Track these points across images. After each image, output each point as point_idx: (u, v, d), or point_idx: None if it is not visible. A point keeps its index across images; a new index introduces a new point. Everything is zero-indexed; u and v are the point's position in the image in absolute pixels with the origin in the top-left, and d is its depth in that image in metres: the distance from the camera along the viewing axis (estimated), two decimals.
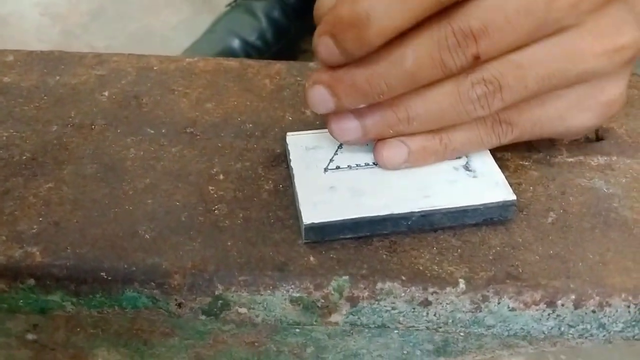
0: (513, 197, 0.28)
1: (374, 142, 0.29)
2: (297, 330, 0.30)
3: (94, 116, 0.34)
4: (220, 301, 0.27)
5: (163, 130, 0.33)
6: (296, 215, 0.28)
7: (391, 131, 0.28)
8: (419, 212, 0.28)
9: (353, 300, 0.27)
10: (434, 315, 0.27)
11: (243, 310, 0.27)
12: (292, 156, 0.30)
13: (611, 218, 0.29)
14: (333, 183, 0.29)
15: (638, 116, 0.35)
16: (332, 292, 0.26)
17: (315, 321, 0.27)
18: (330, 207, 0.28)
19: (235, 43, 1.07)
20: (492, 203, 0.28)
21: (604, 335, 0.27)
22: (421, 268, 0.27)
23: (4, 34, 1.25)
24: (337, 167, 0.30)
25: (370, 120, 0.28)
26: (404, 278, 0.26)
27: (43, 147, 0.32)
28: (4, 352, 0.32)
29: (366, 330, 0.30)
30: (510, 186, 0.29)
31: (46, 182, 0.30)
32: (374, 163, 0.30)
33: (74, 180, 0.30)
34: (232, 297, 0.27)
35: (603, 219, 0.29)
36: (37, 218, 0.28)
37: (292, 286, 0.26)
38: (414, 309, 0.27)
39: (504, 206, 0.28)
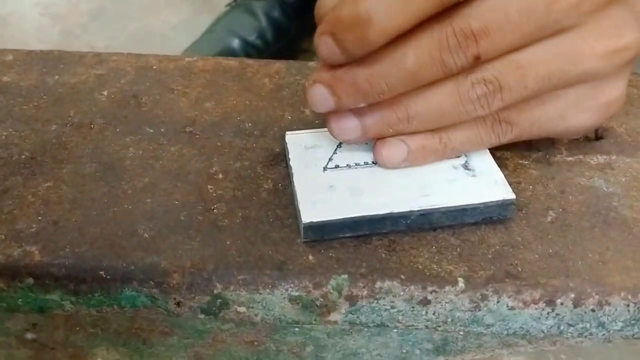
0: (512, 196, 0.28)
1: (373, 141, 0.29)
2: (297, 329, 0.30)
3: (93, 115, 0.34)
4: (219, 300, 0.27)
5: (162, 130, 0.33)
6: (295, 214, 0.28)
7: (391, 130, 0.28)
8: (418, 211, 0.28)
9: (352, 299, 0.27)
10: (433, 314, 0.27)
11: (242, 309, 0.27)
12: (291, 155, 0.30)
13: (611, 217, 0.29)
14: (332, 182, 0.29)
15: (638, 115, 0.35)
16: (331, 291, 0.26)
17: (314, 320, 0.27)
18: (329, 206, 0.28)
19: (235, 43, 1.07)
20: (492, 202, 0.28)
21: (603, 334, 0.27)
22: (420, 267, 0.27)
23: (3, 34, 1.25)
24: (336, 166, 0.30)
25: (370, 120, 0.28)
26: (403, 277, 0.26)
27: (42, 146, 0.32)
28: (4, 351, 0.32)
29: (365, 329, 0.30)
30: (510, 185, 0.29)
31: (45, 181, 0.30)
32: (373, 162, 0.30)
33: (73, 179, 0.30)
34: (231, 296, 0.27)
35: (602, 217, 0.29)
36: (36, 217, 0.28)
37: (291, 285, 0.26)
38: (413, 307, 0.27)
39: (503, 205, 0.28)
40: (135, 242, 0.27)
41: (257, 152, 0.32)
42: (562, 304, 0.26)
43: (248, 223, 0.28)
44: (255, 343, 0.31)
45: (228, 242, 0.27)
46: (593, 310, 0.26)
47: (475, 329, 0.27)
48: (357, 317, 0.27)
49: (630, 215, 0.29)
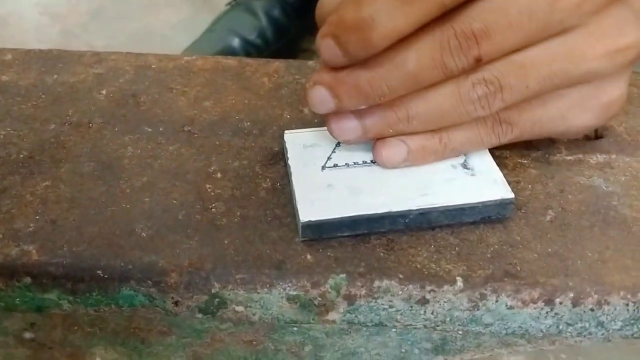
0: (511, 195, 0.28)
1: (372, 141, 0.29)
2: (295, 328, 0.30)
3: (91, 114, 0.34)
4: (217, 299, 0.27)
5: (161, 129, 0.33)
6: (293, 213, 0.28)
7: (391, 130, 0.28)
8: (416, 210, 0.28)
9: (350, 299, 0.26)
10: (432, 313, 0.27)
11: (240, 308, 0.27)
12: (290, 154, 0.30)
13: (610, 216, 0.29)
14: (330, 181, 0.29)
15: (637, 114, 0.34)
16: (329, 290, 0.26)
17: (313, 319, 0.27)
18: (328, 205, 0.27)
19: (235, 42, 1.07)
20: (490, 201, 0.28)
21: (602, 334, 0.27)
22: (419, 266, 0.27)
23: (3, 33, 1.25)
24: (335, 165, 0.30)
25: (370, 120, 0.28)
26: (401, 276, 0.26)
27: (40, 146, 0.32)
28: (2, 351, 0.32)
29: (364, 328, 0.30)
30: (509, 184, 0.29)
31: (43, 180, 0.30)
32: (371, 161, 0.30)
33: (71, 178, 0.30)
34: (229, 295, 0.27)
35: (602, 217, 0.29)
36: (34, 216, 0.28)
37: (289, 284, 0.26)
38: (411, 307, 0.27)
39: (502, 204, 0.28)
40: (133, 241, 0.27)
41: (256, 151, 0.32)
42: (561, 303, 0.26)
43: (246, 222, 0.28)
44: (254, 342, 0.31)
45: (226, 241, 0.27)
46: (592, 310, 0.26)
47: (474, 329, 0.27)
48: (356, 316, 0.27)
49: (629, 214, 0.29)
